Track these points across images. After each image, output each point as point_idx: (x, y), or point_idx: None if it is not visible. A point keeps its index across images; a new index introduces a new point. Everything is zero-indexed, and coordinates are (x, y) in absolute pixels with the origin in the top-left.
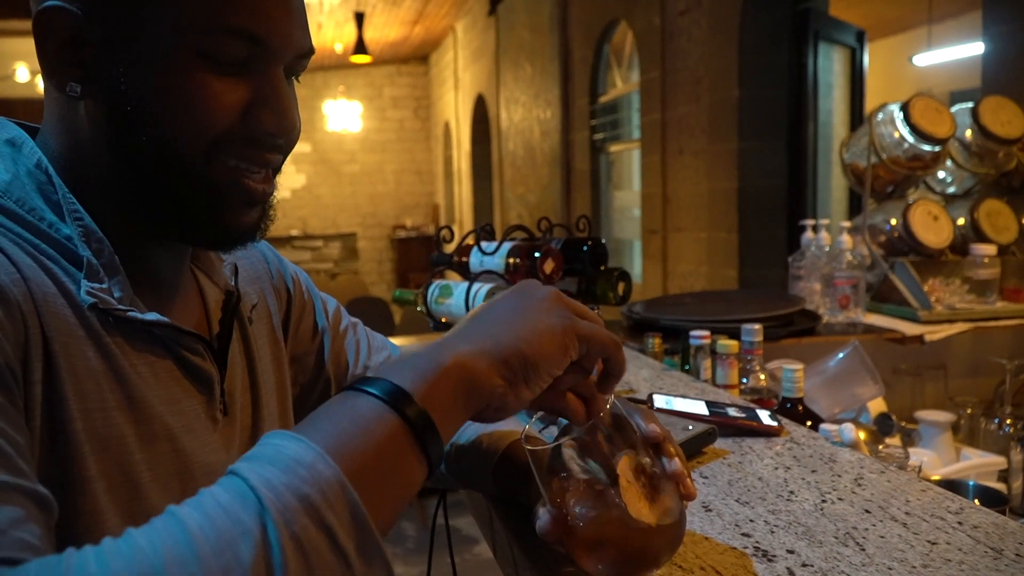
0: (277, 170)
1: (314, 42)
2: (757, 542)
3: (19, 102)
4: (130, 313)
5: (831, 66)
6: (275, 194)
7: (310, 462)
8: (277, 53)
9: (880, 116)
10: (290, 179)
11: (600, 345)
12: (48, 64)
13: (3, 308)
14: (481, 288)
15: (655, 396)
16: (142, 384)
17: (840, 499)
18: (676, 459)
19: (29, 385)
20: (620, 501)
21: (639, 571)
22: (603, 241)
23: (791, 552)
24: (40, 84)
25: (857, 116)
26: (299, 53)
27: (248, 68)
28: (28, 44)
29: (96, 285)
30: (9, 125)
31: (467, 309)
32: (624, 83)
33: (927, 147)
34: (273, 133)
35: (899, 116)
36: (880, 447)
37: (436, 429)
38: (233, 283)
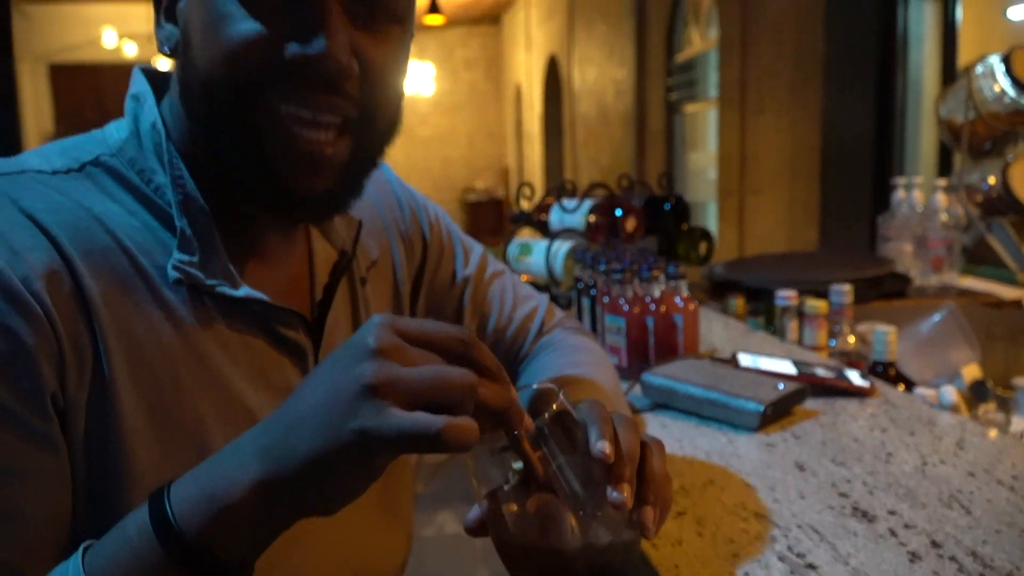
0: (349, 127)
1: None
2: (856, 502)
3: (106, 67)
4: (219, 289)
5: (922, 18)
6: (359, 163)
7: None
8: None
9: (979, 69)
10: None
11: (441, 391)
12: (156, 24)
13: (27, 321)
14: (562, 247)
15: (740, 355)
16: (227, 361)
17: (942, 462)
18: (624, 486)
19: (66, 391)
20: (516, 509)
21: None
22: (685, 199)
23: (892, 513)
24: (125, 48)
25: (949, 70)
26: None
27: None
28: (115, 9)
29: (186, 258)
30: (139, 78)
31: (547, 267)
32: (702, 40)
33: None
34: (307, 58)
35: (1000, 68)
36: (980, 412)
37: (221, 563)
38: (353, 241)
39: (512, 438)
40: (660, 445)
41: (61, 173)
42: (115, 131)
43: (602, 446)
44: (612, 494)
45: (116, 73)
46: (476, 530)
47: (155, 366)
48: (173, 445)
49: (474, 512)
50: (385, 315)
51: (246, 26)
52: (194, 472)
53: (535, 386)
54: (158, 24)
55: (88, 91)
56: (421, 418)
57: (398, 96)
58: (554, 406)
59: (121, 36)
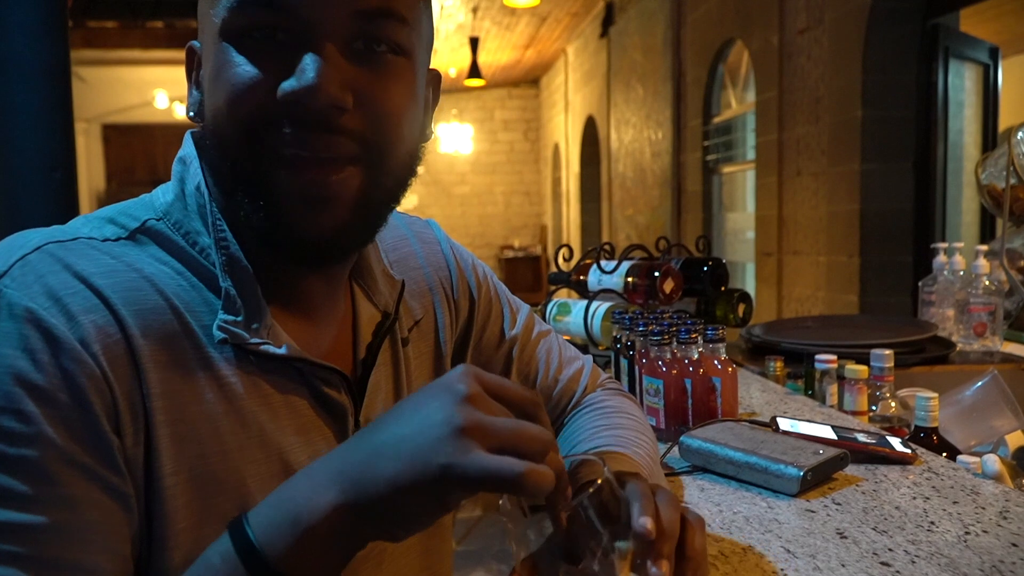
0: (354, 163)
1: (430, 66)
2: (898, 571)
3: (158, 127)
4: (263, 347)
5: (962, 84)
6: (371, 200)
7: None
8: (308, 20)
9: (1020, 134)
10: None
11: (522, 442)
12: (188, 94)
13: (91, 381)
14: (600, 307)
15: (780, 419)
16: (269, 419)
17: (985, 532)
18: (663, 563)
19: (125, 449)
20: None
21: None
22: (723, 261)
23: None
24: (177, 109)
25: (990, 136)
26: (356, 11)
27: (284, 41)
28: (167, 72)
29: (231, 318)
30: (188, 142)
31: (586, 327)
32: (739, 104)
33: None
34: (297, 94)
35: None
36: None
37: None
38: (396, 302)
39: (551, 506)
40: (701, 522)
41: (111, 241)
42: (162, 194)
43: (644, 522)
44: (652, 570)
45: (167, 133)
46: None
47: (198, 426)
48: (214, 505)
49: None
50: (470, 366)
51: (244, 70)
52: (269, 500)
53: (579, 458)
54: (189, 93)
55: (139, 151)
56: (506, 461)
57: (411, 130)
58: (599, 480)
59: (172, 98)
